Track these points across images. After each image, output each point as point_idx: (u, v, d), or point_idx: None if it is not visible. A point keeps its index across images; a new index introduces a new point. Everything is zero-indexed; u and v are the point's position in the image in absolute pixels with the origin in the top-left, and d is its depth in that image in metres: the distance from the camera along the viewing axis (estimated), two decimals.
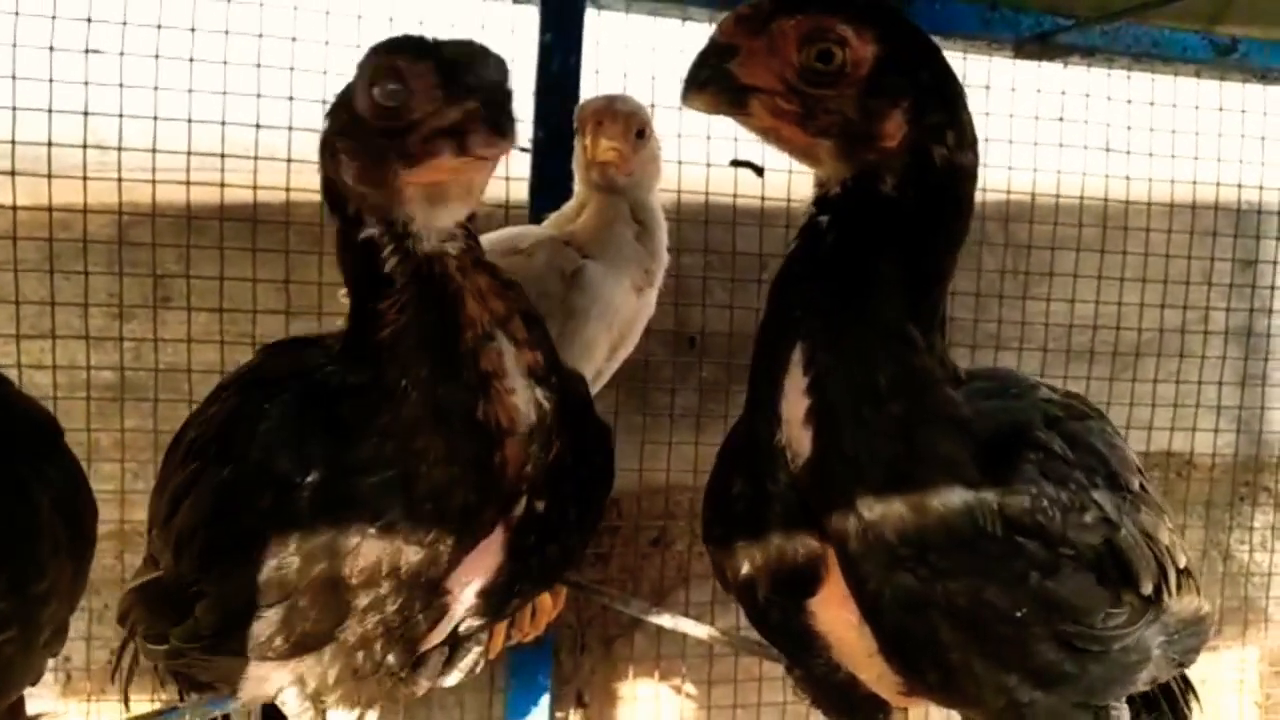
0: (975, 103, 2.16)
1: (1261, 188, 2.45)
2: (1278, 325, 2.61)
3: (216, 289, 1.93)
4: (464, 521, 1.02)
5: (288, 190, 1.91)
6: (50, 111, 1.79)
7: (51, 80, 1.78)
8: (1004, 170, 2.26)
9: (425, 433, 0.98)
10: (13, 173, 1.80)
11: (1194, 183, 2.40)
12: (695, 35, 2.04)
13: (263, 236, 1.94)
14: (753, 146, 2.05)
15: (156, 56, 1.81)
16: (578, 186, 1.64)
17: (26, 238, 1.85)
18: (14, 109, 1.77)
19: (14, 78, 1.76)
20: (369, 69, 0.95)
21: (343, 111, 0.99)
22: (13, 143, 1.78)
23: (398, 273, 0.99)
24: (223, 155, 1.86)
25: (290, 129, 1.88)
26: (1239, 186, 2.44)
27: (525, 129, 1.94)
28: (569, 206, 1.66)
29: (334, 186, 1.02)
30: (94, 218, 1.87)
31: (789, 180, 2.12)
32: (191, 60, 1.82)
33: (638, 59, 2.02)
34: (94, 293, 1.89)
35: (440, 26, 1.92)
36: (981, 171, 2.16)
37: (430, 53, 0.93)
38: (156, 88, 1.82)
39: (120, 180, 1.85)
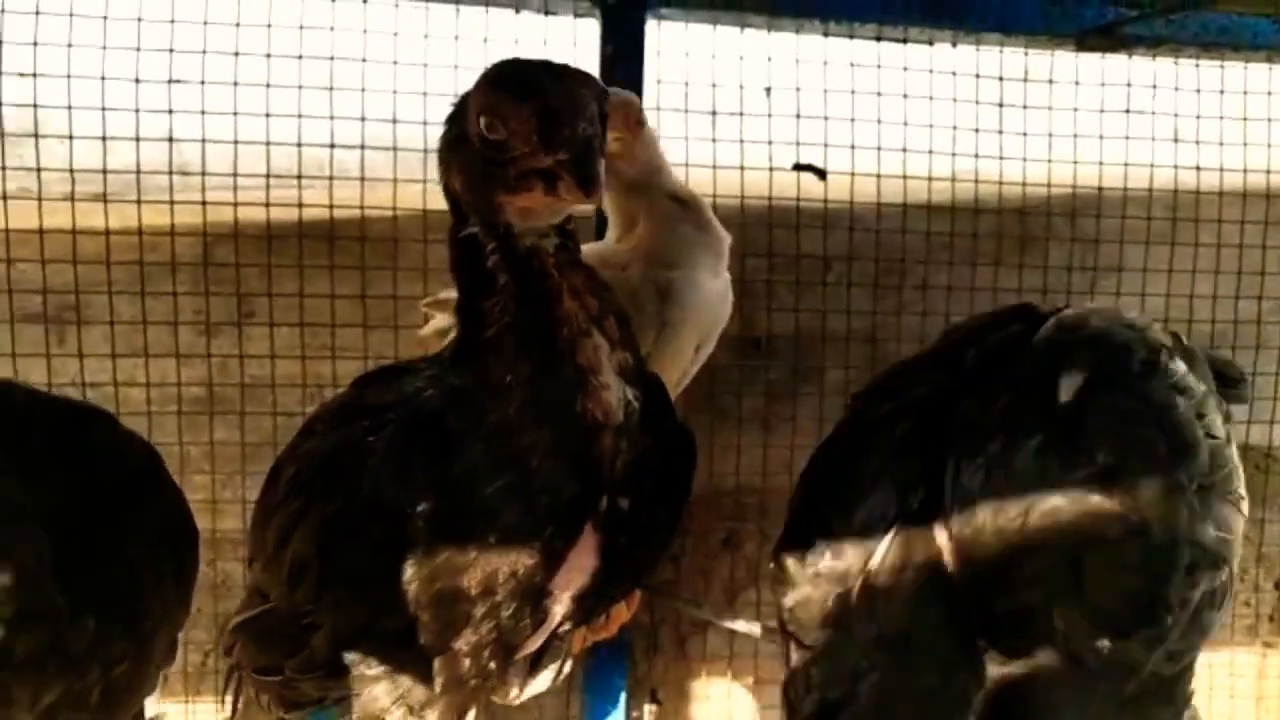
0: (1038, 98, 2.18)
1: None
2: None
3: (297, 305, 2.00)
4: (572, 516, 1.07)
5: (362, 208, 1.97)
6: (137, 140, 1.88)
7: (137, 110, 1.87)
8: (1069, 165, 2.24)
9: (531, 428, 1.03)
10: (104, 199, 1.89)
11: (1268, 171, 2.36)
12: (753, 43, 2.07)
13: (339, 254, 2.01)
14: (815, 151, 2.08)
15: (235, 84, 1.88)
16: (612, 215, 1.67)
17: (118, 261, 1.94)
18: (104, 138, 1.87)
19: (103, 109, 1.85)
20: (477, 100, 1.01)
21: (455, 125, 1.05)
22: (104, 171, 1.88)
23: (499, 269, 1.04)
24: (299, 176, 1.93)
25: (362, 148, 1.95)
26: None
27: None
28: (612, 236, 1.70)
29: (447, 187, 1.07)
30: (180, 240, 1.96)
31: (851, 183, 2.14)
32: (268, 85, 1.89)
33: (699, 67, 2.04)
34: (182, 311, 1.98)
35: (504, 43, 1.97)
36: (1046, 167, 2.20)
37: (532, 97, 0.97)
38: (235, 113, 1.90)
39: (204, 203, 1.93)
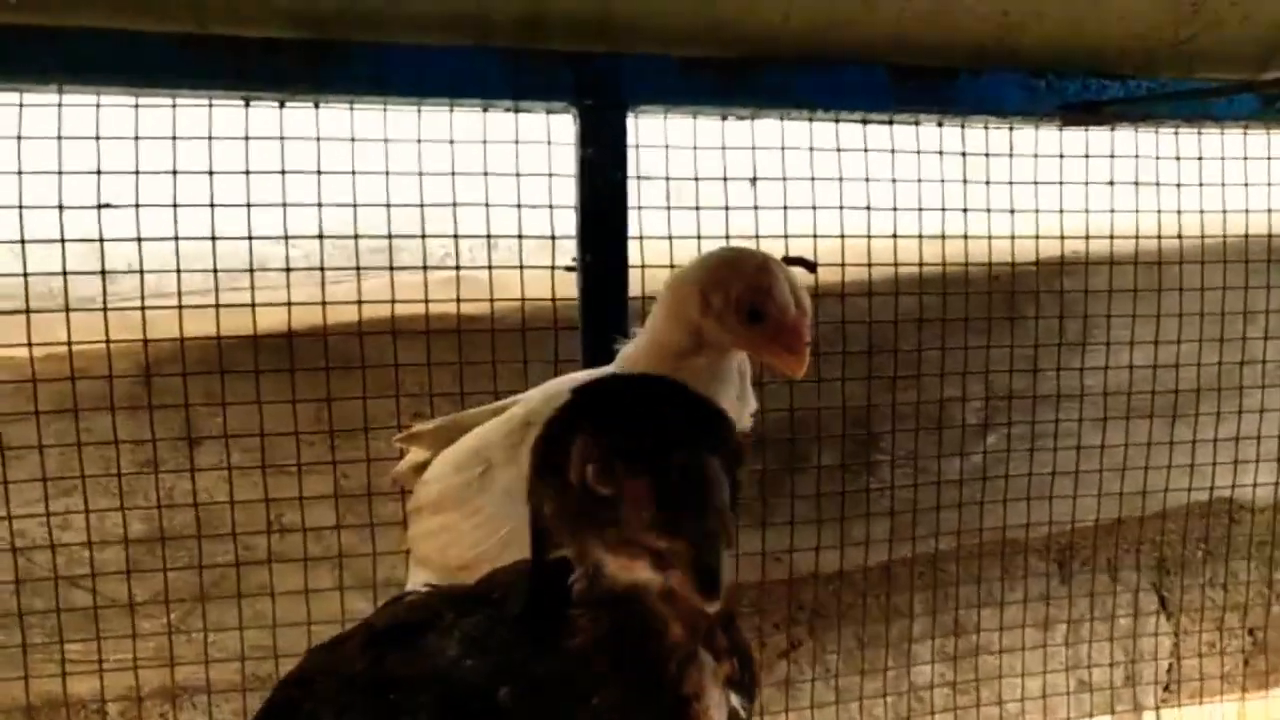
0: (1024, 172, 2.12)
1: None
2: None
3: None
4: None
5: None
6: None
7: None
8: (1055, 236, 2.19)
9: None
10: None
11: (1245, 235, 2.34)
12: (737, 133, 1.95)
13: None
14: (804, 243, 1.98)
15: (174, 205, 1.69)
16: (660, 325, 1.51)
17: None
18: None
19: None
20: (584, 446, 0.84)
21: (554, 451, 0.87)
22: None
23: (587, 598, 0.88)
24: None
25: (322, 269, 1.78)
26: None
27: (571, 249, 1.85)
28: (640, 343, 1.55)
29: (532, 507, 0.91)
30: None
31: (841, 273, 2.04)
32: (212, 205, 1.71)
33: (680, 161, 1.92)
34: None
35: (471, 144, 1.81)
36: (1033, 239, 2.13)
37: (650, 470, 0.82)
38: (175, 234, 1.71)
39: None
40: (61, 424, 1.77)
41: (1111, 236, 2.22)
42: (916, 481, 2.25)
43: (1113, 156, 2.19)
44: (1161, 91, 2.10)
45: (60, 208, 1.65)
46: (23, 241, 1.66)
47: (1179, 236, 2.26)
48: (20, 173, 1.63)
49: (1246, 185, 2.29)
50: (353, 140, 1.76)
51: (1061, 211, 2.17)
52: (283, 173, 1.73)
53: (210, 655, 1.89)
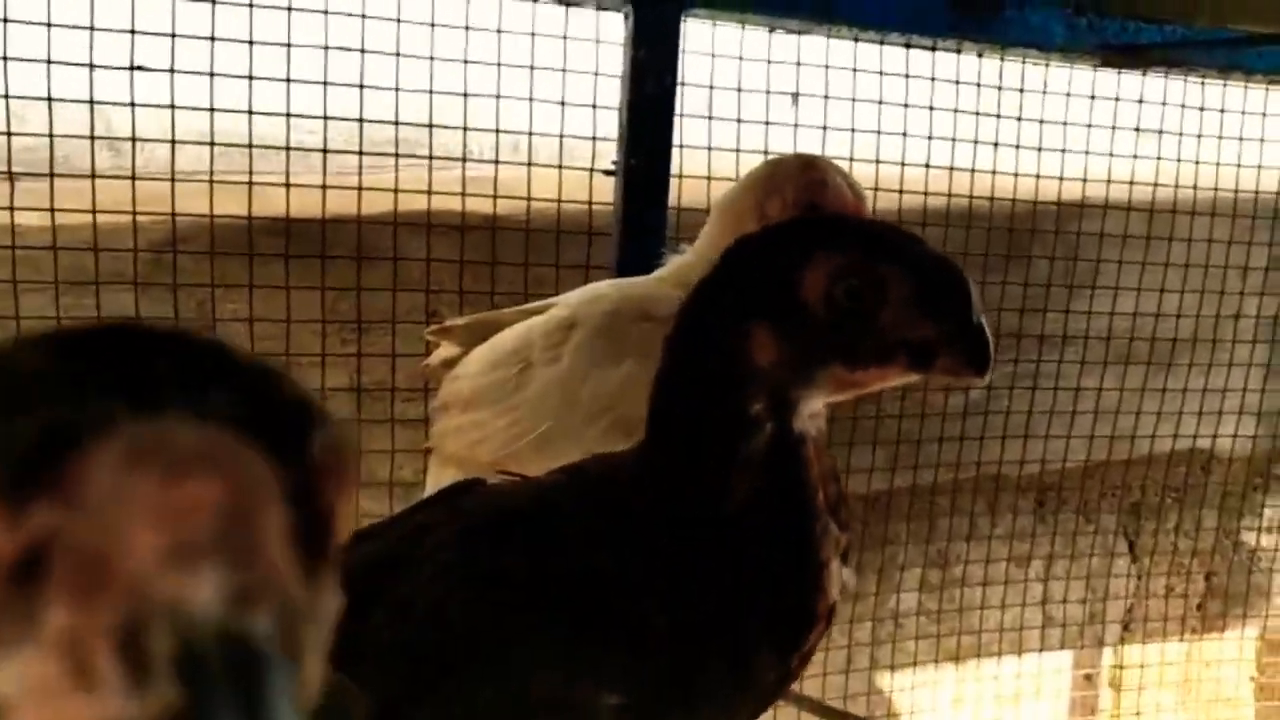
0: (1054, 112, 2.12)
1: None
2: None
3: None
4: (758, 708, 0.94)
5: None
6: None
7: None
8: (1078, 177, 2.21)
9: (760, 616, 0.88)
10: None
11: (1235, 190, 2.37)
12: (783, 45, 1.91)
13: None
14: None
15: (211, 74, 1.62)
16: (717, 239, 1.49)
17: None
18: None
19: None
20: (829, 263, 0.83)
21: (769, 289, 0.85)
22: None
23: (756, 450, 0.87)
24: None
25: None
26: None
27: (612, 151, 1.81)
28: (692, 257, 1.53)
29: (711, 359, 0.90)
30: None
31: (874, 199, 2.03)
32: (250, 78, 1.63)
33: (724, 70, 1.88)
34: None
35: (519, 37, 1.76)
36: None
37: (909, 266, 0.84)
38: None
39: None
40: (69, 299, 1.70)
41: (1131, 183, 2.25)
42: (923, 413, 2.28)
43: (1141, 102, 2.20)
44: (1196, 39, 2.11)
45: (90, 66, 1.56)
46: (50, 100, 1.57)
47: (1194, 188, 2.29)
48: (49, 25, 1.53)
49: (1262, 141, 2.33)
50: (398, 22, 1.69)
51: (1087, 154, 2.18)
52: (325, 49, 1.66)
53: None
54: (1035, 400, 2.38)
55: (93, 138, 1.58)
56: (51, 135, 1.57)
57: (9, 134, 1.54)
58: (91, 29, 1.55)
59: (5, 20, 1.51)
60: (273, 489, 0.31)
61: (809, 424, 0.88)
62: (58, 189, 1.58)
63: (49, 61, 1.53)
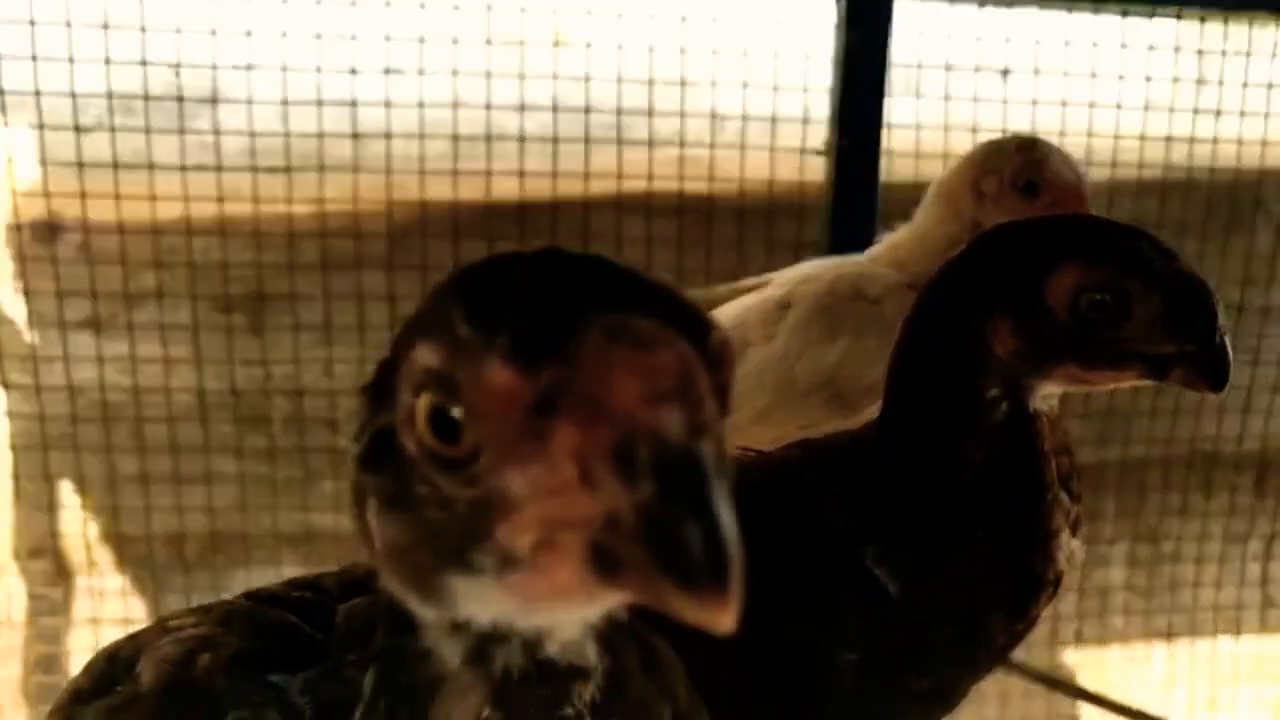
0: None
1: None
2: None
3: None
4: (985, 670, 1.01)
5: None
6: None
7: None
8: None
9: (991, 581, 0.95)
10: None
11: None
12: (992, 22, 1.92)
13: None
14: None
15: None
16: (932, 219, 1.53)
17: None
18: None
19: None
20: (1076, 274, 0.89)
21: (1014, 288, 0.92)
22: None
23: (992, 425, 0.94)
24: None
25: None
26: None
27: (822, 133, 1.87)
28: (906, 237, 1.57)
29: (952, 345, 0.96)
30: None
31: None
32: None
33: (932, 48, 1.90)
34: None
35: (734, 21, 1.84)
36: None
37: (1158, 285, 0.88)
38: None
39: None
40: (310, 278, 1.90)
41: None
42: (1135, 386, 2.23)
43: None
44: None
45: (318, 70, 1.74)
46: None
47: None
48: (319, 36, 1.72)
49: None
50: (619, 17, 1.80)
51: None
52: (520, 44, 1.78)
53: None
54: (1256, 376, 2.29)
55: (320, 135, 1.77)
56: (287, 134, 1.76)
57: (286, 135, 1.74)
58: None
59: (283, 35, 1.70)
60: (699, 362, 0.45)
61: (1042, 403, 0.94)
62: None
63: (318, 70, 1.72)
